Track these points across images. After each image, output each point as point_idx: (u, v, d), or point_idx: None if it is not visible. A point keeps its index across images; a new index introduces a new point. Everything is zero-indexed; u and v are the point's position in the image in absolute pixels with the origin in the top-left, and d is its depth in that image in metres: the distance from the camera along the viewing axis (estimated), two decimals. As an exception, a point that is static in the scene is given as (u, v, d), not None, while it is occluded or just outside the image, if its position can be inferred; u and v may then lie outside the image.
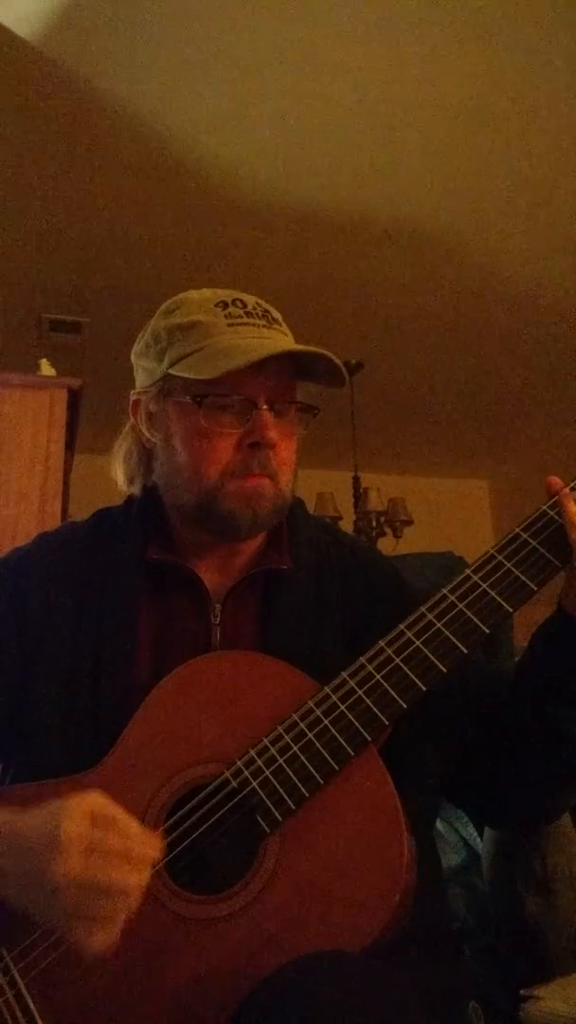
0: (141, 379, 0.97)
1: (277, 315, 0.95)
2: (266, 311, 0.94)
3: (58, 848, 0.66)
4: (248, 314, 0.92)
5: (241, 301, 0.93)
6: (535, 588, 0.80)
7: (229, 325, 0.90)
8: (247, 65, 2.77)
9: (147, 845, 0.69)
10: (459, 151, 3.20)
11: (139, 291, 3.91)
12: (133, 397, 0.98)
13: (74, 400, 2.71)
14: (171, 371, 0.90)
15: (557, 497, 0.83)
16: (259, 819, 0.75)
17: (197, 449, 0.89)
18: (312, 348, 0.89)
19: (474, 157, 3.23)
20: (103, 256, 3.76)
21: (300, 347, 0.89)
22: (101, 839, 0.67)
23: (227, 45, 2.69)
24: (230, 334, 0.89)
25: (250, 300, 0.94)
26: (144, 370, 0.96)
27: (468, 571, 0.82)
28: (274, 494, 0.90)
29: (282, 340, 0.92)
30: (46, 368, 2.83)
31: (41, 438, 2.58)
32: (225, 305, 0.92)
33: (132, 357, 1.00)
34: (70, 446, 2.81)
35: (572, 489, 0.83)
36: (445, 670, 0.78)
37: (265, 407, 0.89)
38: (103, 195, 3.38)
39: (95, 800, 0.70)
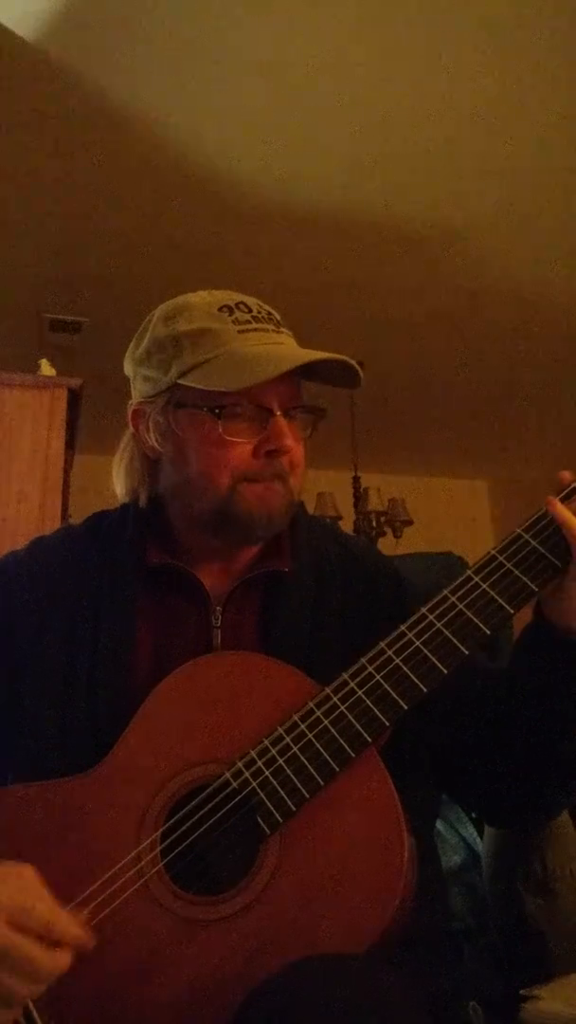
0: (142, 388, 0.94)
1: (278, 316, 0.95)
2: (270, 313, 0.94)
3: None
4: (255, 318, 0.91)
5: (245, 305, 0.92)
6: (536, 589, 0.80)
7: (240, 332, 0.89)
8: (247, 65, 2.77)
9: (72, 925, 0.69)
10: (459, 151, 3.20)
11: (139, 291, 3.90)
12: (133, 407, 0.96)
13: (74, 400, 2.72)
14: (181, 381, 0.89)
15: (549, 503, 0.82)
16: (259, 820, 0.75)
17: (213, 458, 0.88)
18: (337, 356, 0.88)
19: (474, 157, 3.23)
20: (103, 256, 3.76)
21: (327, 355, 0.87)
22: (28, 912, 0.67)
23: (227, 45, 2.69)
24: (241, 341, 0.88)
25: (253, 303, 0.93)
26: (145, 379, 0.94)
27: (469, 572, 0.82)
28: (286, 497, 0.91)
29: (291, 345, 0.92)
30: (46, 368, 2.84)
31: (41, 438, 2.59)
32: (230, 310, 0.91)
33: (128, 364, 0.97)
34: (70, 446, 2.81)
35: (563, 499, 0.82)
36: (445, 671, 0.78)
37: (279, 413, 0.88)
38: (103, 195, 3.38)
39: (27, 879, 0.69)
